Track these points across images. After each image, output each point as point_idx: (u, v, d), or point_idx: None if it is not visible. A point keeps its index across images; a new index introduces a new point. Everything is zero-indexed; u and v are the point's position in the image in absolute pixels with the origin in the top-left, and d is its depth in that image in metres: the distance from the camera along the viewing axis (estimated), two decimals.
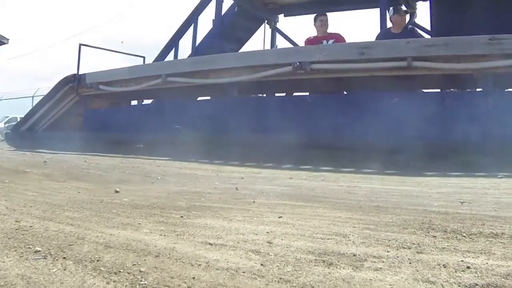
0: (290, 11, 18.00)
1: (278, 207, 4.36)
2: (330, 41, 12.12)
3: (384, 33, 12.00)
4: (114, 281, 2.11)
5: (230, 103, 12.22)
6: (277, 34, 18.47)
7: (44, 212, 3.83)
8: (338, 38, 12.37)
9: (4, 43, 25.06)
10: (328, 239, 3.04)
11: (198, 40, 17.24)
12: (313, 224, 3.54)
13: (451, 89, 11.23)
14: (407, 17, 12.37)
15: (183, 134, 11.41)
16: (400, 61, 9.65)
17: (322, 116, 10.49)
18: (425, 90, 11.43)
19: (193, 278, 2.18)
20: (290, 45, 17.30)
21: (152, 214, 3.87)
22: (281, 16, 18.44)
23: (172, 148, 11.44)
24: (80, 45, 16.88)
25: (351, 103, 10.57)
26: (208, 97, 14.62)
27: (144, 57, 18.40)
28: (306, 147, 9.84)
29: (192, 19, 17.32)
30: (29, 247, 2.62)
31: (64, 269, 2.25)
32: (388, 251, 2.70)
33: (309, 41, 12.84)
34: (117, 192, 5.52)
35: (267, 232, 3.19)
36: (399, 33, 11.50)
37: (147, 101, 17.23)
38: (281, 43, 18.45)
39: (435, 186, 6.35)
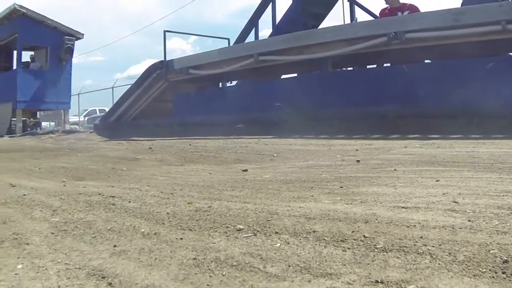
0: None
1: (424, 173, 4.36)
2: (406, 12, 11.99)
3: None
4: (349, 248, 2.13)
5: (325, 77, 12.20)
6: (356, 7, 18.32)
7: (202, 193, 3.89)
8: (413, 8, 12.22)
9: (80, 38, 25.46)
10: (503, 196, 3.08)
11: (278, 18, 17.27)
12: (474, 184, 3.55)
13: None
14: None
15: (282, 111, 11.44)
16: (494, 25, 9.50)
17: (419, 85, 10.41)
18: None
19: (421, 237, 2.20)
20: (370, 18, 17.21)
21: (311, 187, 3.90)
22: None
23: (272, 126, 11.49)
24: (165, 31, 17.07)
25: (448, 70, 10.45)
26: (301, 73, 14.62)
27: (228, 39, 18.49)
28: (404, 116, 9.80)
29: None
30: (228, 227, 2.65)
31: (288, 243, 2.27)
32: None
33: (384, 13, 12.73)
34: (245, 171, 5.60)
35: (443, 194, 3.21)
36: None
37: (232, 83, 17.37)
38: (361, 16, 18.36)
39: None
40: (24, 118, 24.20)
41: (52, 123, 32.12)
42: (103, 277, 1.89)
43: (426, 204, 2.92)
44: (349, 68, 13.60)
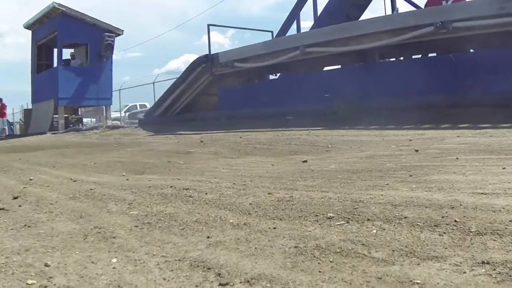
0: None
1: (487, 161, 4.42)
2: (450, 1, 11.94)
3: None
4: (444, 232, 2.21)
5: (373, 68, 12.20)
6: None
7: (275, 184, 3.96)
8: None
9: (120, 35, 25.60)
10: None
11: (319, 10, 17.28)
12: None
13: None
14: None
15: (331, 102, 11.46)
16: None
17: (467, 74, 10.39)
18: None
19: (510, 221, 2.28)
20: (411, 8, 17.14)
21: (381, 176, 3.99)
22: None
23: (321, 117, 11.53)
24: (209, 25, 17.20)
25: (495, 59, 10.40)
26: (344, 65, 14.62)
27: (272, 32, 18.51)
28: (453, 106, 9.79)
29: None
30: (317, 215, 2.71)
31: (383, 229, 2.35)
32: None
33: (430, 2, 12.70)
34: (305, 162, 5.68)
35: None
36: None
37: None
38: (401, 6, 18.29)
39: None
40: (66, 115, 24.37)
41: (93, 119, 32.29)
42: (209, 268, 1.96)
43: (503, 190, 2.98)
44: (395, 59, 13.57)
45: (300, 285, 1.71)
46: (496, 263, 1.78)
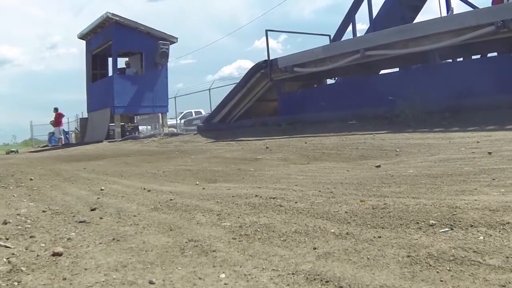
0: None
1: None
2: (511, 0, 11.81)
3: None
4: None
5: (434, 69, 12.11)
6: None
7: (361, 191, 3.99)
8: None
9: (174, 42, 25.84)
10: None
11: (374, 13, 17.30)
12: None
13: None
14: None
15: (393, 106, 11.44)
16: None
17: None
18: None
19: None
20: (467, 8, 16.99)
21: (464, 180, 4.03)
22: None
23: (384, 121, 11.58)
24: (267, 31, 17.27)
25: None
26: (403, 67, 14.58)
27: (329, 35, 18.51)
28: None
29: None
30: (417, 223, 2.73)
31: (489, 235, 2.36)
32: None
33: (493, 1, 12.61)
34: (378, 166, 5.74)
35: None
36: None
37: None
38: (457, 6, 18.17)
39: None
40: (122, 123, 24.69)
41: (149, 127, 32.54)
42: (327, 281, 1.97)
43: None
44: (456, 59, 13.51)
45: None
46: None
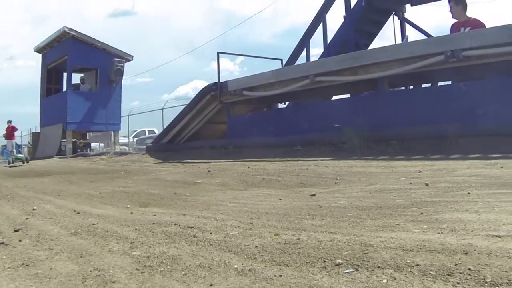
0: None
1: (500, 196, 4.29)
2: (467, 28, 11.87)
3: None
4: (458, 283, 2.12)
5: (382, 97, 12.15)
6: (407, 25, 18.33)
7: (282, 223, 3.88)
8: (476, 24, 12.09)
9: (129, 60, 25.89)
10: None
11: (329, 38, 17.37)
12: None
13: None
14: None
15: (340, 132, 11.41)
16: None
17: (478, 103, 10.32)
18: None
19: None
20: (421, 36, 17.16)
21: (390, 214, 3.90)
22: (408, 6, 18.25)
23: (330, 147, 11.48)
24: (218, 53, 17.18)
25: (507, 87, 10.35)
26: (354, 94, 14.63)
27: (281, 60, 18.51)
28: (464, 135, 9.69)
29: (320, 18, 17.45)
30: (325, 261, 2.62)
31: (394, 278, 2.26)
32: None
33: (452, 28, 12.69)
34: (313, 195, 5.60)
35: None
36: None
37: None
38: (411, 34, 18.36)
39: None
40: (74, 139, 24.74)
41: (102, 144, 32.57)
42: None
43: None
44: (405, 87, 13.57)
45: None
46: None
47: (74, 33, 23.76)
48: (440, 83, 13.13)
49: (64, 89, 25.62)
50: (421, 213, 3.79)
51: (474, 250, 2.56)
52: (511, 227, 3.02)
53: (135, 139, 37.04)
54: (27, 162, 19.54)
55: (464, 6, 12.09)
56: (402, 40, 17.78)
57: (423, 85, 13.34)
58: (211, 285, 2.39)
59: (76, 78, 26.03)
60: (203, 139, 17.53)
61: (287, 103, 17.36)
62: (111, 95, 25.39)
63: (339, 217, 3.96)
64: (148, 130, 37.63)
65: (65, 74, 25.70)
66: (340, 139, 11.32)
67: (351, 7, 17.18)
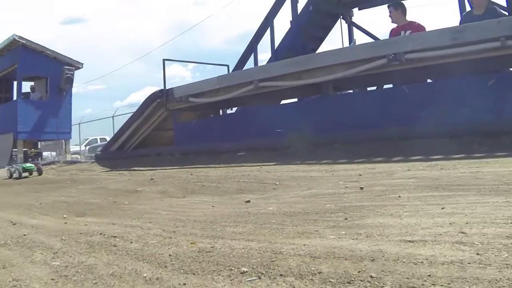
0: (364, 4, 17.94)
1: (429, 199, 4.30)
2: (408, 32, 11.99)
3: (467, 16, 11.81)
4: None
5: (326, 101, 12.18)
6: (354, 28, 18.45)
7: (205, 230, 3.85)
8: (416, 27, 12.21)
9: (79, 68, 25.68)
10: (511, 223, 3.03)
11: (276, 43, 17.38)
12: (480, 211, 3.50)
13: None
14: None
15: (284, 137, 11.41)
16: (494, 42, 9.48)
17: (421, 106, 10.40)
18: None
19: (429, 275, 2.16)
20: (369, 39, 17.28)
21: (315, 220, 3.85)
22: (355, 10, 18.40)
23: (274, 152, 11.46)
24: (164, 60, 17.05)
25: (449, 89, 10.44)
26: (297, 98, 14.68)
27: (227, 65, 18.47)
28: (406, 138, 9.76)
29: (268, 23, 17.47)
30: (231, 269, 2.61)
31: (293, 286, 2.24)
32: None
33: (391, 32, 12.80)
34: (248, 202, 5.56)
35: (450, 224, 3.15)
36: (482, 14, 11.30)
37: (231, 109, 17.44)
38: (359, 37, 18.48)
39: None
40: (25, 149, 24.42)
41: (54, 153, 32.29)
42: None
43: (433, 236, 2.87)
44: (350, 91, 13.62)
45: None
46: None
47: (24, 41, 23.45)
48: (385, 86, 13.20)
49: (15, 98, 25.30)
50: (346, 218, 3.76)
51: (382, 256, 2.54)
52: (427, 232, 3.02)
53: (87, 148, 36.80)
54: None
55: (404, 10, 12.25)
56: (349, 44, 17.86)
57: (368, 89, 13.38)
58: None
59: (26, 86, 25.77)
60: (151, 146, 17.41)
61: (234, 108, 17.33)
62: (61, 104, 25.11)
63: (263, 224, 3.93)
64: (100, 138, 37.42)
65: (15, 83, 25.41)
66: (284, 144, 11.31)
67: (298, 12, 17.18)
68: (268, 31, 17.65)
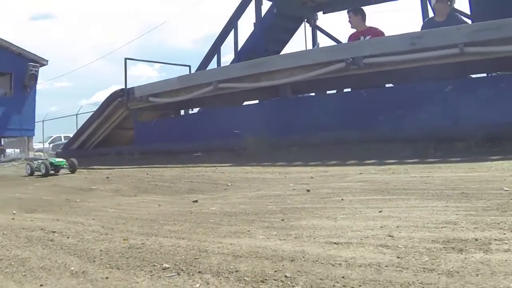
0: (329, 7, 18.08)
1: (370, 202, 4.33)
2: (368, 37, 12.08)
3: (429, 23, 11.95)
4: None
5: (284, 104, 12.25)
6: (318, 32, 18.54)
7: (143, 228, 3.86)
8: (376, 32, 12.32)
9: (44, 65, 25.47)
10: (442, 227, 3.05)
11: (240, 45, 17.39)
12: (416, 215, 3.53)
13: (504, 72, 11.19)
14: (449, 4, 12.21)
15: (241, 138, 11.45)
16: (452, 48, 9.60)
17: (378, 110, 10.48)
18: (478, 75, 11.43)
19: (343, 277, 2.17)
20: (333, 43, 17.39)
21: (252, 221, 3.86)
22: (320, 14, 18.48)
23: (231, 153, 11.48)
24: (126, 59, 17.03)
25: (407, 94, 10.56)
26: (257, 100, 14.75)
27: (189, 66, 18.49)
28: (362, 142, 9.84)
29: (232, 24, 17.49)
30: (154, 265, 2.64)
31: (208, 283, 2.26)
32: (504, 233, 2.75)
33: (350, 37, 12.89)
34: (195, 201, 5.55)
35: (381, 227, 3.19)
36: (443, 21, 11.43)
37: (194, 110, 17.44)
38: (322, 41, 18.55)
39: (505, 169, 6.29)
40: None
41: (17, 150, 32.08)
42: None
43: (359, 239, 2.89)
44: (309, 94, 13.68)
45: None
46: None
47: None
48: (345, 90, 13.28)
49: None
50: (282, 220, 3.77)
51: (303, 257, 2.56)
52: (355, 234, 3.04)
53: (51, 145, 36.58)
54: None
55: (363, 16, 12.38)
56: (313, 47, 17.94)
57: (328, 92, 13.45)
58: (41, 285, 2.41)
59: None
60: (113, 145, 17.38)
61: (196, 109, 17.34)
62: (25, 100, 24.93)
63: (200, 223, 3.93)
64: (64, 136, 37.16)
65: None
66: (241, 146, 11.34)
67: (262, 15, 17.20)
68: (232, 33, 17.61)
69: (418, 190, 4.98)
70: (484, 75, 11.62)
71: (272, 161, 10.16)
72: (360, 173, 7.30)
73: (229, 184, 7.34)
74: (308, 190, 5.61)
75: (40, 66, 25.35)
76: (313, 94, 13.90)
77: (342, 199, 4.68)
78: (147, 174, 9.82)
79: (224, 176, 8.44)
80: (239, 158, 10.97)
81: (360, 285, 2.07)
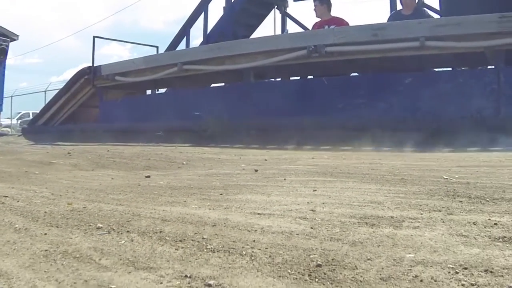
0: None
1: (310, 183, 4.52)
2: (332, 26, 12.20)
3: (395, 15, 12.13)
4: (182, 247, 2.32)
5: (246, 88, 12.41)
6: (288, 19, 18.53)
7: (89, 196, 4.03)
8: (339, 22, 12.46)
9: (15, 40, 25.19)
10: (365, 206, 3.25)
11: (209, 28, 17.40)
12: (347, 195, 3.73)
13: (463, 68, 11.41)
14: None
15: (202, 120, 11.58)
16: (413, 41, 9.82)
17: (339, 98, 10.67)
18: (437, 69, 11.62)
19: (253, 241, 2.39)
20: (301, 30, 17.42)
21: (193, 193, 4.05)
22: (290, 1, 18.48)
23: (192, 134, 11.61)
24: (94, 37, 17.01)
25: (367, 83, 10.76)
26: (224, 83, 14.83)
27: (157, 47, 18.52)
28: (321, 128, 10.00)
29: (202, 7, 17.45)
30: (90, 225, 2.83)
31: (132, 241, 2.46)
32: (421, 214, 2.93)
33: (314, 26, 13.01)
34: (148, 177, 5.72)
35: (308, 203, 3.38)
36: (410, 14, 11.61)
37: (161, 90, 17.45)
38: (292, 28, 18.58)
39: (454, 160, 6.51)
40: None
41: None
42: None
43: (282, 211, 3.09)
44: (271, 79, 13.80)
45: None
46: (197, 277, 1.90)
47: None
48: (308, 77, 13.40)
49: None
50: (221, 194, 3.97)
51: (224, 224, 2.78)
52: (281, 207, 3.24)
53: (19, 121, 36.19)
54: None
55: (329, 5, 12.49)
56: (282, 33, 17.96)
57: (291, 78, 13.58)
58: None
59: None
60: (79, 122, 17.45)
61: (163, 90, 17.36)
62: None
63: (144, 194, 4.12)
64: (32, 113, 36.70)
65: None
66: (202, 127, 11.46)
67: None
68: (202, 16, 17.61)
69: (361, 175, 5.16)
70: (444, 69, 11.82)
71: (231, 143, 10.35)
72: (313, 158, 7.53)
73: (184, 163, 7.51)
74: (256, 170, 5.80)
75: (11, 41, 24.99)
76: (279, 79, 14.03)
77: (285, 179, 4.87)
78: (108, 151, 9.91)
79: (181, 155, 8.59)
80: (199, 139, 11.13)
81: (267, 248, 2.28)
